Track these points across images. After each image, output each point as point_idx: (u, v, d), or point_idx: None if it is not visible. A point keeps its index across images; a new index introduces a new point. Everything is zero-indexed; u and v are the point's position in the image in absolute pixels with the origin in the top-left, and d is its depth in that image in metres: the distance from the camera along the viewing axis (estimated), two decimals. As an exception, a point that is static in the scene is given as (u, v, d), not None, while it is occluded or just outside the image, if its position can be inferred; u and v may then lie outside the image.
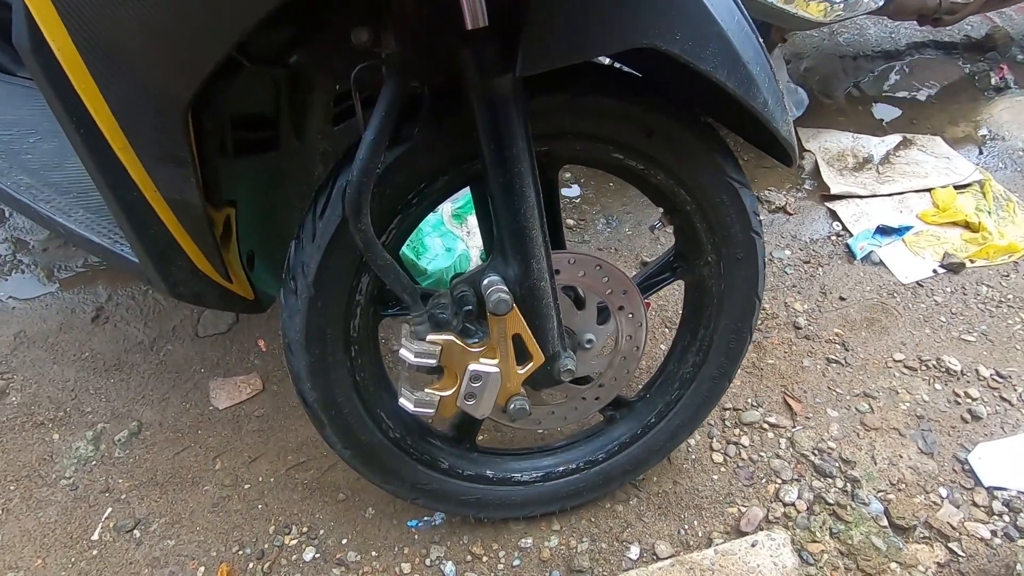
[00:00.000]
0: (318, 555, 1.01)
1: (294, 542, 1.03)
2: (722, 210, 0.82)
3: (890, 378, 1.28)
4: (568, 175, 1.71)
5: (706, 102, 0.78)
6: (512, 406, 0.74)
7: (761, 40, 0.71)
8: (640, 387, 1.05)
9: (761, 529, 1.05)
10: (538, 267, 0.70)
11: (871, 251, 1.52)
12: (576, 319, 0.83)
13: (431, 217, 1.38)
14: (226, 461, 1.13)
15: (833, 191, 1.64)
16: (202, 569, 0.99)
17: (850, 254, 1.53)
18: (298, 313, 0.75)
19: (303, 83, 0.85)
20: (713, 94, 0.67)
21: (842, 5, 1.37)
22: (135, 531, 1.04)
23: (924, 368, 1.30)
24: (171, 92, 0.59)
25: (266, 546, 1.02)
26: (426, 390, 0.72)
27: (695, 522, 1.07)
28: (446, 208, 1.40)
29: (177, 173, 0.68)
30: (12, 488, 1.09)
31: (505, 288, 0.68)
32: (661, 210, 0.88)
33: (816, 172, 1.73)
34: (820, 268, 1.51)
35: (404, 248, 1.35)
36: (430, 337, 0.68)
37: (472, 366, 0.70)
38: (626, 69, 0.80)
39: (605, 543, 1.04)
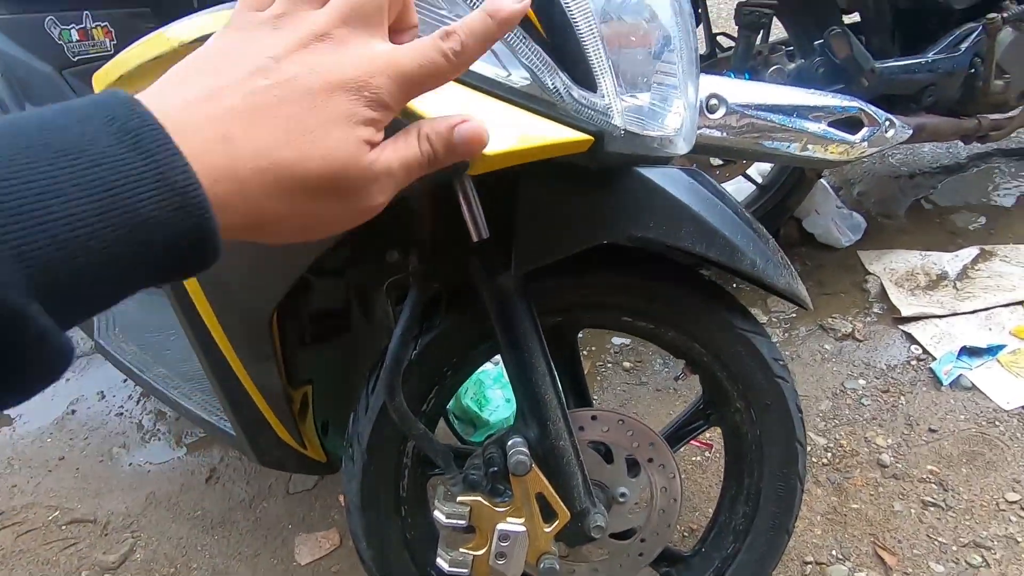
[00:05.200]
0: None
1: None
2: (739, 360, 0.86)
3: (1005, 523, 1.13)
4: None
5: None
6: (543, 565, 0.77)
7: (740, 208, 0.81)
8: (696, 541, 1.02)
9: None
10: (555, 428, 0.77)
11: (959, 375, 1.41)
12: (606, 473, 0.87)
13: (493, 371, 1.50)
14: (304, 619, 1.20)
15: (904, 313, 1.58)
16: None
17: (936, 380, 1.42)
18: (355, 478, 0.86)
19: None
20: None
21: (866, 143, 1.43)
22: None
23: (1049, 510, 1.13)
24: (258, 307, 0.79)
25: None
26: (460, 550, 0.78)
27: None
28: (506, 361, 1.52)
29: (264, 366, 0.86)
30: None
31: (525, 450, 0.76)
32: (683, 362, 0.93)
33: (884, 295, 1.68)
34: (902, 397, 1.41)
35: (468, 401, 1.46)
36: (459, 498, 0.76)
37: (500, 526, 0.75)
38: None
39: None
